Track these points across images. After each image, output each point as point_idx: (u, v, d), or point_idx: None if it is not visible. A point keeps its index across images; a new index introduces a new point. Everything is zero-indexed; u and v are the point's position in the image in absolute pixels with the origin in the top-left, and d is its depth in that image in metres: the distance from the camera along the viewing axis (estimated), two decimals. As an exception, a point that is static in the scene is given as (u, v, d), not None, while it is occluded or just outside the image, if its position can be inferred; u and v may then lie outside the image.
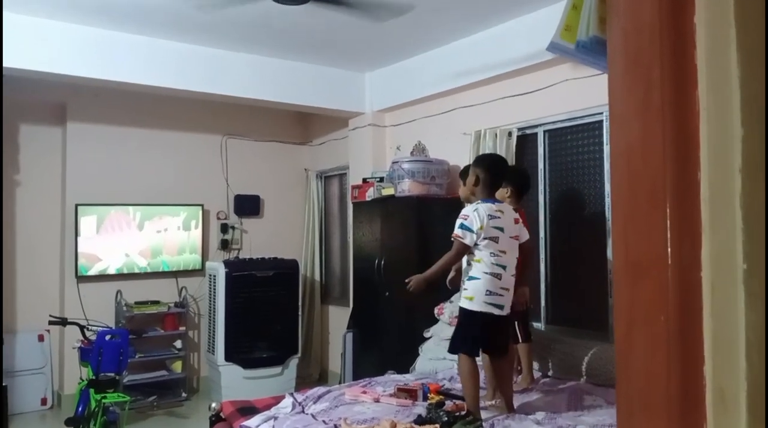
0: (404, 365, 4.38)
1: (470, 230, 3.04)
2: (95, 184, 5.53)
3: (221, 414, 3.44)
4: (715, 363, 0.65)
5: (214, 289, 5.50)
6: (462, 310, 3.14)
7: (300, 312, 5.86)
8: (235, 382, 5.27)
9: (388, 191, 4.92)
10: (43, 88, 5.05)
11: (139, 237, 5.68)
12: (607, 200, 3.86)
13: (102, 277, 5.51)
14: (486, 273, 3.06)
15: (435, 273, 3.20)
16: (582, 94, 3.90)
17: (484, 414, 3.06)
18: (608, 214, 3.87)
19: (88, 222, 5.44)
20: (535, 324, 4.22)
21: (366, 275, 5.05)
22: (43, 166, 5.48)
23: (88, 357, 4.14)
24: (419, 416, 2.99)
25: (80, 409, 4.10)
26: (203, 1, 3.87)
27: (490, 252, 3.07)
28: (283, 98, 5.28)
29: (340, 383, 4.63)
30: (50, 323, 4.36)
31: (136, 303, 5.53)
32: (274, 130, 6.57)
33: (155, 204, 5.78)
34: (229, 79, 4.98)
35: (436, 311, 4.34)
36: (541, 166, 4.38)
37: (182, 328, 5.68)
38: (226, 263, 5.54)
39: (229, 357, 5.36)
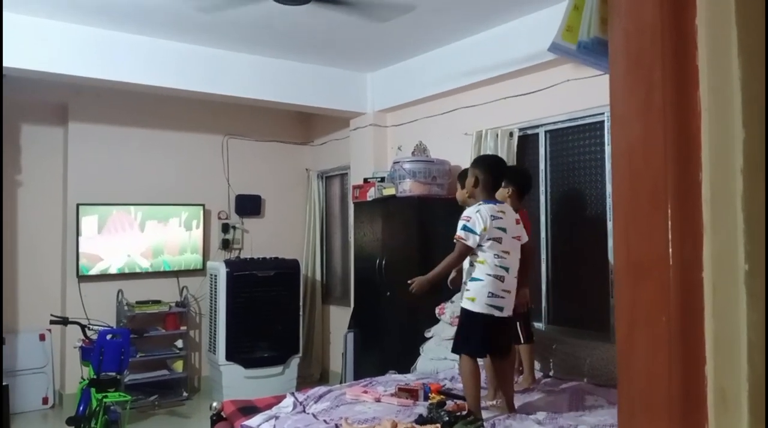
0: (405, 365, 4.38)
1: (473, 232, 3.04)
2: (96, 184, 5.53)
3: (222, 414, 3.44)
4: (716, 364, 0.65)
5: (215, 289, 5.50)
6: (463, 311, 3.14)
7: (301, 312, 5.87)
8: (236, 382, 5.28)
9: (389, 191, 4.93)
10: (44, 88, 5.06)
11: (141, 237, 5.69)
12: (609, 200, 3.86)
13: (103, 277, 5.52)
14: (489, 275, 3.05)
15: (438, 275, 3.20)
16: (583, 94, 3.90)
17: (485, 414, 3.06)
18: (609, 214, 3.87)
19: (89, 222, 5.44)
20: (536, 325, 4.22)
21: (367, 275, 5.05)
22: (44, 166, 5.49)
23: (90, 357, 4.14)
24: (420, 416, 2.99)
25: (81, 408, 4.10)
26: (205, 3, 3.87)
27: (494, 254, 3.06)
28: (284, 98, 5.28)
29: (341, 383, 4.63)
30: (51, 322, 4.36)
31: (137, 302, 5.53)
32: (276, 130, 6.57)
33: (156, 204, 5.79)
34: (231, 79, 4.99)
35: (437, 311, 4.34)
36: (542, 166, 4.38)
37: (183, 328, 5.68)
38: (227, 263, 5.54)
39: (230, 356, 5.36)
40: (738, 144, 0.64)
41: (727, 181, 0.64)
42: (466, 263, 3.21)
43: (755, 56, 0.64)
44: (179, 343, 5.65)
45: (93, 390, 4.02)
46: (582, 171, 4.18)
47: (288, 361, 5.63)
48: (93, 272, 5.47)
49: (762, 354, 0.62)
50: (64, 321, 4.34)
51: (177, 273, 5.88)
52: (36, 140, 5.46)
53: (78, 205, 5.38)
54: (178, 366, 5.61)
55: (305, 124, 6.81)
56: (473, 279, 3.09)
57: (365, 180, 5.27)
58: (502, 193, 3.49)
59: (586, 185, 4.15)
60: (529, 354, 3.72)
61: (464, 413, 2.99)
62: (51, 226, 5.52)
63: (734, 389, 0.63)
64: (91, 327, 4.36)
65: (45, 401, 5.33)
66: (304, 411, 3.26)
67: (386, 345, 4.83)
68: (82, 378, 4.49)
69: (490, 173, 3.20)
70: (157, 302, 5.61)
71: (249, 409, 3.35)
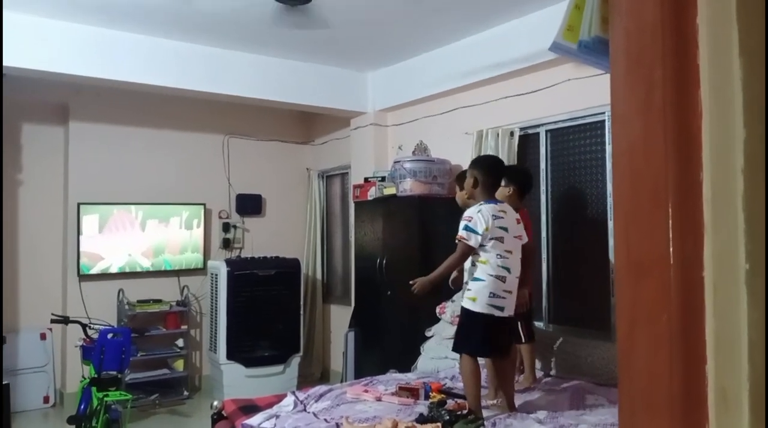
0: (406, 364, 4.38)
1: (475, 232, 3.04)
2: (97, 183, 5.54)
3: (223, 413, 3.44)
4: (717, 363, 0.65)
5: (216, 288, 5.51)
6: (464, 310, 3.14)
7: (302, 311, 5.87)
8: (236, 381, 5.28)
9: (389, 190, 4.93)
10: (44, 87, 5.06)
11: (142, 237, 5.69)
12: (609, 200, 3.86)
13: (104, 276, 5.52)
14: (491, 275, 3.05)
15: (439, 275, 3.19)
16: (584, 93, 3.90)
17: (485, 413, 3.06)
18: (610, 213, 3.87)
19: (90, 221, 5.45)
20: (537, 324, 4.21)
21: (368, 274, 5.05)
22: (45, 165, 5.50)
23: (91, 356, 4.14)
24: (421, 415, 2.99)
25: (82, 407, 4.10)
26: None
27: (497, 254, 3.06)
28: (285, 98, 5.28)
29: (341, 382, 4.63)
30: (52, 321, 4.37)
31: (138, 301, 5.54)
32: (276, 129, 6.58)
33: (157, 203, 5.79)
34: (231, 79, 4.99)
35: (437, 310, 4.34)
36: (542, 165, 4.38)
37: (184, 327, 5.69)
38: (228, 262, 5.54)
39: (231, 355, 5.37)
40: (739, 143, 0.64)
41: (728, 181, 0.64)
42: (467, 263, 3.21)
43: (756, 56, 0.64)
44: (180, 342, 5.66)
45: (94, 389, 4.02)
46: (583, 170, 4.18)
47: (289, 360, 5.63)
48: (94, 271, 5.47)
49: (763, 353, 0.62)
50: (65, 320, 4.34)
51: (178, 273, 5.89)
52: (37, 139, 5.47)
53: (79, 204, 5.38)
54: (179, 365, 5.62)
55: (306, 124, 6.81)
56: (475, 279, 3.09)
57: (366, 179, 5.27)
58: (503, 192, 3.49)
59: (587, 184, 4.15)
60: (530, 353, 3.72)
61: (465, 412, 2.99)
62: (52, 225, 5.53)
63: (735, 388, 0.63)
64: (92, 326, 4.36)
65: (46, 400, 5.34)
66: (304, 410, 3.27)
67: (387, 344, 4.83)
68: (83, 377, 4.49)
69: (489, 173, 3.19)
70: (158, 301, 5.61)
71: (250, 408, 3.35)
